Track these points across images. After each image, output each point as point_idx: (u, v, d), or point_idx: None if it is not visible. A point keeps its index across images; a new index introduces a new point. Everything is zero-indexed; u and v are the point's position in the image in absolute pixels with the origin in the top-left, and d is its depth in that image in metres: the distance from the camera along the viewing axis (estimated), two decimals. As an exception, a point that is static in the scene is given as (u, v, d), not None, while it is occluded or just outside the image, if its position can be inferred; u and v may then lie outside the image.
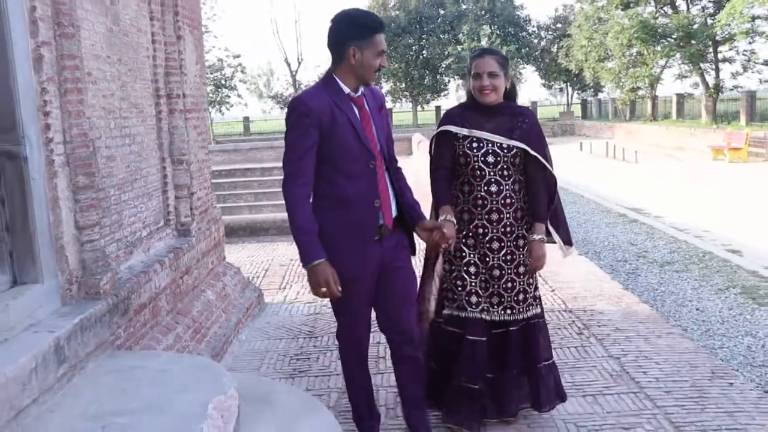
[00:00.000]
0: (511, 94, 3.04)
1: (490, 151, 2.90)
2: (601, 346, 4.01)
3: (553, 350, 3.15)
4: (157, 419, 2.23)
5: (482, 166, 2.90)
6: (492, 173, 2.90)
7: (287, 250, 7.52)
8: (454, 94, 47.20)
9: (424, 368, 2.86)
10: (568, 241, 3.12)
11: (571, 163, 19.50)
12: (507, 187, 2.91)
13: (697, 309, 6.08)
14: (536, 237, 2.93)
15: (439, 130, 3.04)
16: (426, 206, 2.96)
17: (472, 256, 2.96)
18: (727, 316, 5.82)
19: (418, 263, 3.48)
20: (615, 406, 3.21)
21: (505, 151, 2.90)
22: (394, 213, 2.67)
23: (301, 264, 2.56)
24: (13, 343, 2.36)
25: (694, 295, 6.52)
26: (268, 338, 4.60)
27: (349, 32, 2.51)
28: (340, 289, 2.50)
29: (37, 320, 2.56)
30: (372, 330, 2.85)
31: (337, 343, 2.91)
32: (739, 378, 3.53)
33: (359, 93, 2.60)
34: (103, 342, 2.83)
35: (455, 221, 2.91)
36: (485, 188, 2.90)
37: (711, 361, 3.70)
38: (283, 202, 2.55)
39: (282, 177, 2.55)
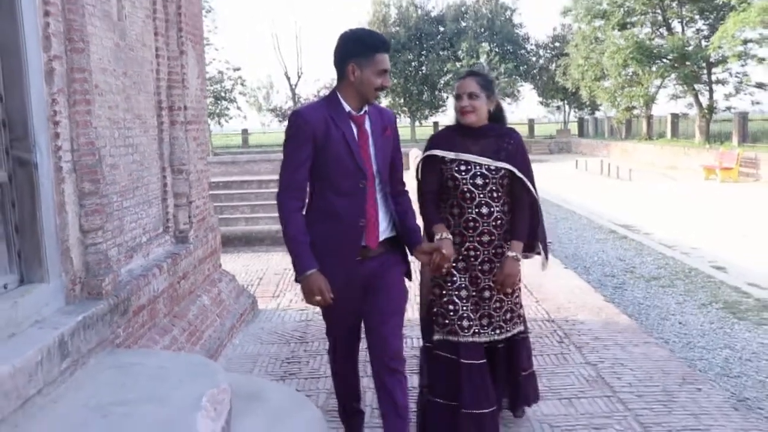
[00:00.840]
0: (498, 116, 3.04)
1: (479, 173, 2.90)
2: (580, 353, 4.17)
3: (534, 358, 3.27)
4: (154, 409, 2.38)
5: (471, 188, 2.89)
6: (482, 195, 2.89)
7: (282, 260, 7.67)
8: (452, 110, 47.53)
9: (396, 398, 2.64)
10: (545, 255, 3.21)
11: (566, 181, 19.70)
12: (497, 208, 2.92)
13: (680, 323, 6.23)
14: (511, 254, 2.91)
15: (425, 154, 3.03)
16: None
17: (463, 279, 2.93)
18: (708, 329, 5.97)
19: (413, 287, 3.55)
20: (588, 409, 3.38)
21: (493, 172, 2.90)
22: (382, 235, 2.67)
23: (294, 274, 2.61)
24: (20, 337, 2.51)
25: (678, 309, 6.67)
26: (260, 343, 4.75)
27: (350, 50, 2.55)
28: (332, 296, 2.53)
29: (42, 317, 2.71)
30: (362, 336, 2.87)
31: (327, 346, 2.98)
32: (707, 384, 3.70)
33: (361, 112, 2.61)
34: (103, 340, 2.98)
35: (451, 237, 2.88)
36: (476, 210, 2.90)
37: (683, 369, 3.88)
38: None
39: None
